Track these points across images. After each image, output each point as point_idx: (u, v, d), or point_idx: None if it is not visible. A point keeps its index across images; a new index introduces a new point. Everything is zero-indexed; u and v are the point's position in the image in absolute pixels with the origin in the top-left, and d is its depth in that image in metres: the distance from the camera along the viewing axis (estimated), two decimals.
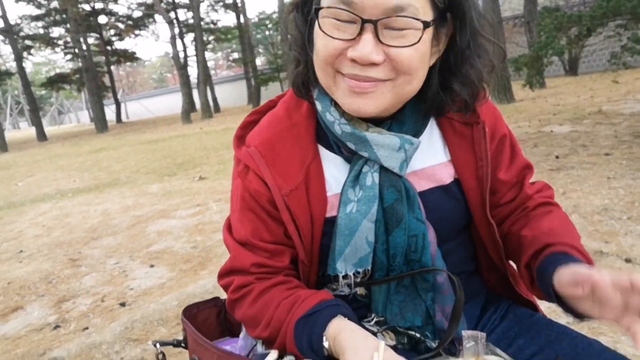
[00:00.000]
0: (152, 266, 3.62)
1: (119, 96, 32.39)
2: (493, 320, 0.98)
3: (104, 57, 28.86)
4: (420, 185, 0.89)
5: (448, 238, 0.93)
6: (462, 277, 0.96)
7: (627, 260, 2.59)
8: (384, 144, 0.82)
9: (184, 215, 4.97)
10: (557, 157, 4.96)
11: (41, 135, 21.81)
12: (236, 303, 0.88)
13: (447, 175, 0.91)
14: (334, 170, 0.88)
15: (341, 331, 0.75)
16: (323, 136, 0.89)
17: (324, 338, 0.76)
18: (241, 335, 0.93)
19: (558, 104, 9.19)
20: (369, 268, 0.87)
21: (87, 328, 2.74)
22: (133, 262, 3.78)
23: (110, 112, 30.23)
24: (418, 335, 0.89)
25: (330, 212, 0.87)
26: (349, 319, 0.79)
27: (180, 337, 0.97)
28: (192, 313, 0.99)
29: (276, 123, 0.89)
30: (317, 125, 0.89)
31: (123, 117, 32.92)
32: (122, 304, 3.00)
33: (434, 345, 0.88)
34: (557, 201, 0.99)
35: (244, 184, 0.88)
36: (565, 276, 0.73)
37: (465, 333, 0.80)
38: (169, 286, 3.20)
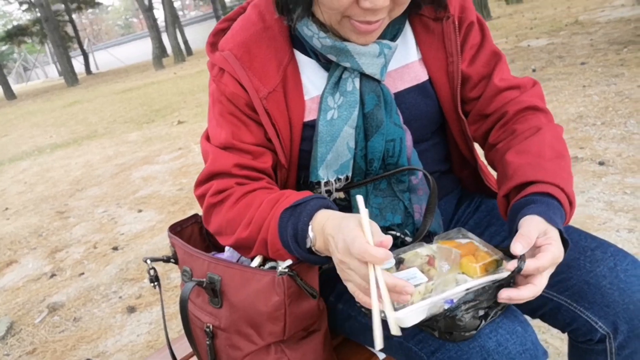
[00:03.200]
0: (140, 211, 3.66)
1: (85, 46, 31.01)
2: (467, 213, 1.03)
3: (62, 5, 27.30)
4: (396, 86, 0.90)
5: (423, 138, 0.95)
6: (436, 176, 0.99)
7: (601, 163, 2.68)
8: (365, 52, 0.81)
9: (167, 160, 4.95)
10: (533, 70, 4.96)
11: (9, 94, 21.02)
12: (214, 208, 0.85)
13: (421, 73, 0.91)
14: (310, 74, 0.88)
15: (328, 219, 0.72)
16: (297, 41, 0.87)
17: (310, 228, 0.74)
18: (226, 247, 0.96)
19: (535, 18, 9.05)
20: (350, 174, 0.89)
21: (82, 273, 2.81)
22: (121, 209, 3.81)
23: (78, 64, 29.05)
24: (398, 233, 0.93)
25: (308, 117, 0.87)
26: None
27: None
28: (177, 231, 1.01)
29: (249, 26, 0.86)
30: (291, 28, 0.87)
31: (92, 68, 31.73)
32: (115, 249, 3.06)
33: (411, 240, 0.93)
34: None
35: (219, 87, 0.86)
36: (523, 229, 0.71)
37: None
38: (159, 228, 3.25)
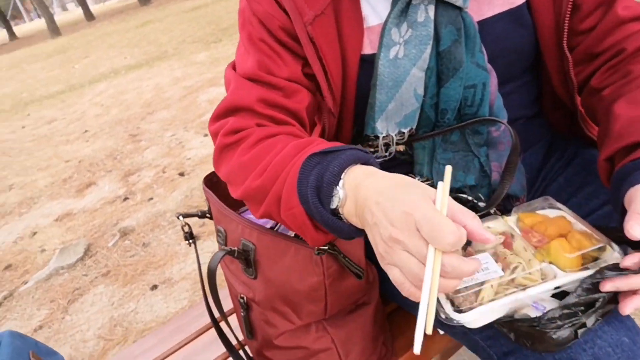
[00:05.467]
0: (205, 135, 3.66)
1: None
2: (557, 167, 0.84)
3: None
4: (482, 12, 0.69)
5: (510, 78, 0.75)
6: (521, 122, 0.80)
7: None
8: None
9: None
10: None
11: (88, 15, 21.73)
12: (227, 150, 0.68)
13: None
14: None
15: (368, 177, 0.52)
16: None
17: (341, 183, 0.53)
18: None
19: None
20: (414, 127, 0.73)
21: (151, 198, 2.89)
22: (188, 133, 3.84)
23: None
24: (470, 197, 0.76)
25: (367, 49, 0.70)
26: None
27: (205, 208, 0.91)
28: (214, 182, 0.91)
29: None
30: None
31: None
32: (181, 174, 3.10)
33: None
34: None
35: (250, 5, 0.70)
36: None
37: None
38: None
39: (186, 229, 0.86)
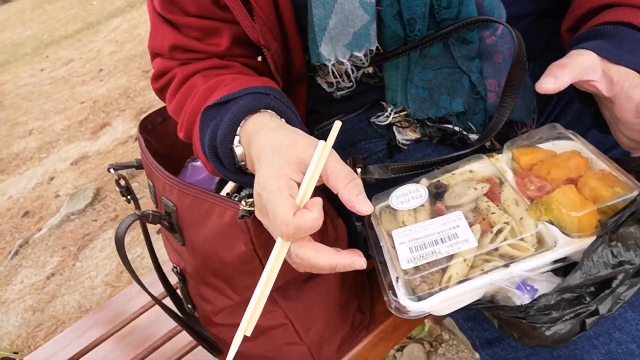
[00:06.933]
0: None
1: None
2: None
3: None
4: None
5: None
6: (527, 22, 0.60)
7: None
8: None
9: None
10: None
11: None
12: (160, 95, 0.67)
13: None
14: None
15: (262, 128, 0.47)
16: None
17: (237, 138, 0.49)
18: None
19: None
20: (373, 48, 0.55)
21: None
22: None
23: None
24: (458, 128, 0.59)
25: None
26: (286, 119, 0.51)
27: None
28: (157, 124, 0.77)
29: None
30: None
31: None
32: None
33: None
34: None
35: None
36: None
37: None
38: None
39: (122, 182, 0.73)
